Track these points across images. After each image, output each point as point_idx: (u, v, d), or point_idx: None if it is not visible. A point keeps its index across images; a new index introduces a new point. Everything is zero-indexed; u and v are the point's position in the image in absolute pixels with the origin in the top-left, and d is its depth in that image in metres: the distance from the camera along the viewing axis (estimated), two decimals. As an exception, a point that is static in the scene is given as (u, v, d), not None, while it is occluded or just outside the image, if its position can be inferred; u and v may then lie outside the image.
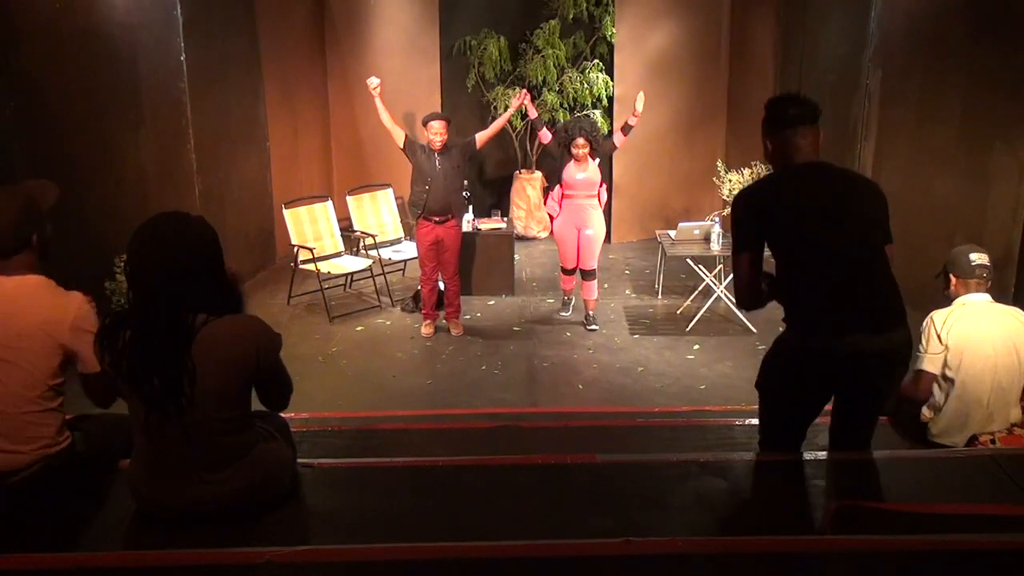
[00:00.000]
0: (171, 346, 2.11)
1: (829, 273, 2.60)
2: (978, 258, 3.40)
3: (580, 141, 5.82)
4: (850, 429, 2.83)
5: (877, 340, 2.58)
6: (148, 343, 2.12)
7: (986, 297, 3.43)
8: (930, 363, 3.42)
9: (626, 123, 6.10)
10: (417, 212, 5.91)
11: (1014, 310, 3.45)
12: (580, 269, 6.17)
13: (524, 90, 6.47)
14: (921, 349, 3.44)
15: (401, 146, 5.88)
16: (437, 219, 5.88)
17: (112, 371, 2.19)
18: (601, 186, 6.05)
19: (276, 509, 2.42)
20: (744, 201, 2.71)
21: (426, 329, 6.19)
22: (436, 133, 5.75)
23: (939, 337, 3.37)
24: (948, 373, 3.40)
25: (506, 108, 8.39)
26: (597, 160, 6.00)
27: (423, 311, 6.24)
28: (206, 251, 2.19)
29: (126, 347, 2.14)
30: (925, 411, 3.56)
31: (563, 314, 6.48)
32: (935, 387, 3.48)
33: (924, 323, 3.44)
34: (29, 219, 2.46)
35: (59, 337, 2.42)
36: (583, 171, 5.94)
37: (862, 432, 2.83)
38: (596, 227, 6.05)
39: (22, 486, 2.43)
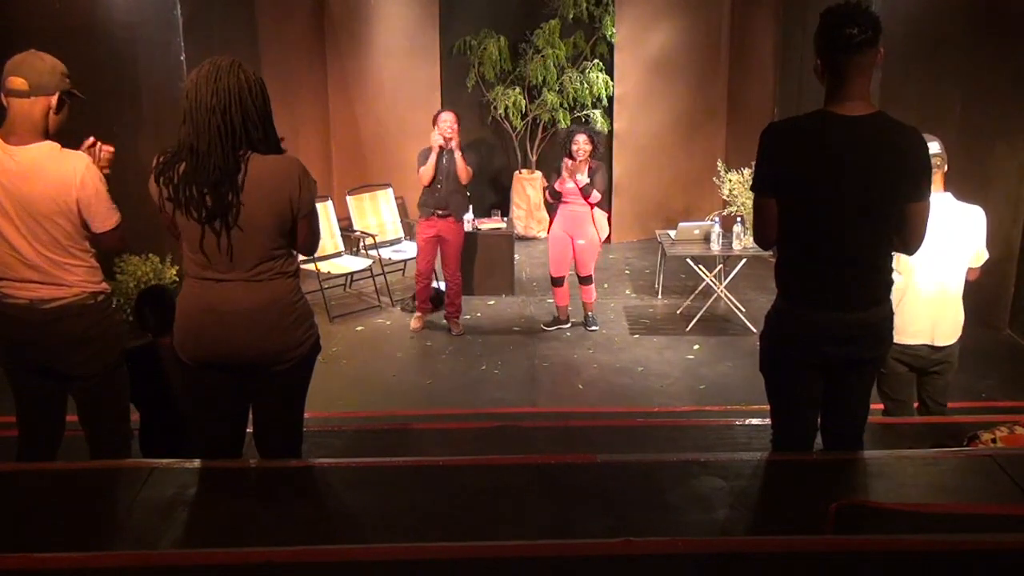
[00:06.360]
0: (221, 170, 2.35)
1: (830, 246, 2.51)
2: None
3: (582, 139, 5.81)
4: (840, 416, 2.77)
5: (860, 315, 2.56)
6: (201, 169, 2.35)
7: (946, 196, 3.45)
8: None
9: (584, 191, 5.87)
10: (428, 212, 5.98)
11: (972, 210, 3.49)
12: (577, 275, 6.16)
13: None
14: None
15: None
16: (441, 212, 5.97)
17: (169, 203, 2.40)
18: (594, 208, 5.97)
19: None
20: (771, 140, 2.50)
21: (415, 322, 6.23)
22: (448, 125, 5.82)
23: None
24: (899, 266, 3.42)
25: (505, 109, 8.42)
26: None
27: (416, 304, 6.29)
28: (255, 87, 2.41)
29: (181, 177, 2.37)
30: None
31: (562, 327, 6.27)
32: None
33: None
34: (62, 73, 2.74)
35: (71, 202, 2.64)
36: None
37: (853, 420, 2.78)
38: (588, 236, 6.03)
39: (55, 314, 2.69)
